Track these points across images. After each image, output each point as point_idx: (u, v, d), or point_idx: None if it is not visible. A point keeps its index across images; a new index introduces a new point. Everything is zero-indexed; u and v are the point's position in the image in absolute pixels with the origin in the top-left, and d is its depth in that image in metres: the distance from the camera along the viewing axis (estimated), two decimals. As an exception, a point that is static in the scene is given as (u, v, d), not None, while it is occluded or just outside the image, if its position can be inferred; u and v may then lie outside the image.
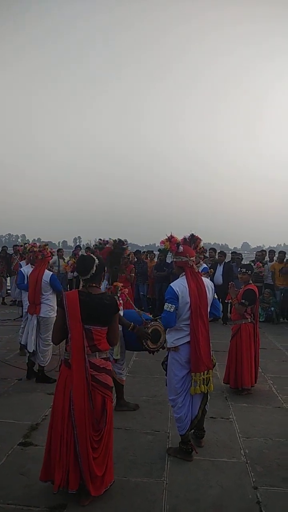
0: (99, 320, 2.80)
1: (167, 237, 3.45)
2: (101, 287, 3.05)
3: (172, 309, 3.27)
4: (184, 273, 3.41)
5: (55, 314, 5.13)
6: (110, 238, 4.34)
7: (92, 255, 3.00)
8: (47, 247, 5.48)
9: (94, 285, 2.89)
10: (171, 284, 3.44)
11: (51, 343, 5.19)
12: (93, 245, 4.40)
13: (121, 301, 4.00)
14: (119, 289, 4.09)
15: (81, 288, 2.93)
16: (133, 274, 8.47)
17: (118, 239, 4.29)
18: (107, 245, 4.27)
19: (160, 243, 3.48)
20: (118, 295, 4.03)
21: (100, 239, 4.38)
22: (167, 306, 3.29)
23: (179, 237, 3.46)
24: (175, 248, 3.46)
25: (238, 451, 3.46)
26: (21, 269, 6.35)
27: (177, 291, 3.30)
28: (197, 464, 3.25)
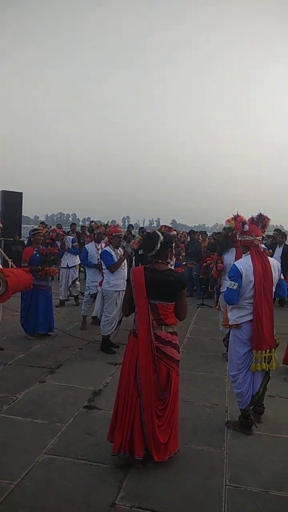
0: (164, 295, 2.87)
1: (232, 216, 3.45)
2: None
3: (235, 287, 3.29)
4: (249, 252, 3.41)
5: (112, 289, 5.37)
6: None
7: (158, 232, 3.07)
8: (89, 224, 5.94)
9: (160, 261, 2.94)
10: (235, 263, 3.46)
11: (110, 315, 5.42)
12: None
13: None
14: None
15: (148, 265, 3.00)
16: (183, 253, 8.61)
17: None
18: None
19: (225, 221, 3.48)
20: None
21: None
22: (230, 284, 3.32)
23: (246, 217, 3.44)
24: (240, 227, 3.45)
25: (299, 430, 3.47)
26: (86, 246, 6.74)
27: (241, 269, 3.32)
28: (257, 438, 3.31)
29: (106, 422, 3.27)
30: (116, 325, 5.43)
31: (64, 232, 9.16)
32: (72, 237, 8.78)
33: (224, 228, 3.91)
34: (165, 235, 2.99)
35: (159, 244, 2.89)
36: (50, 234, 9.41)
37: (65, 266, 8.24)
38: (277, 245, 9.13)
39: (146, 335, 2.84)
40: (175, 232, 8.19)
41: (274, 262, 3.45)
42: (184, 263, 8.10)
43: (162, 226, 7.68)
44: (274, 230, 9.94)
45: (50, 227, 11.99)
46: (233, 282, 3.30)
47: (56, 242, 8.70)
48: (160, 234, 2.95)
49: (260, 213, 3.49)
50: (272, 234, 9.68)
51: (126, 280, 3.03)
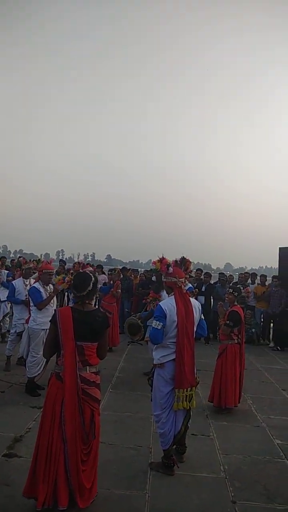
0: (91, 336, 2.88)
1: (158, 258, 3.64)
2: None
3: (159, 327, 3.41)
4: (173, 293, 3.59)
5: (38, 327, 5.21)
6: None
7: (87, 272, 3.13)
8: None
9: (87, 302, 2.96)
10: (160, 303, 3.61)
11: (37, 355, 5.22)
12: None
13: None
14: None
15: (75, 305, 2.99)
16: (119, 291, 8.59)
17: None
18: None
19: (152, 263, 3.67)
20: None
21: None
22: (155, 324, 3.44)
23: (171, 259, 3.66)
24: (165, 269, 3.65)
25: (218, 467, 3.58)
26: (13, 282, 6.52)
27: (165, 309, 3.46)
28: (178, 478, 3.36)
29: (26, 471, 3.11)
30: (43, 366, 5.25)
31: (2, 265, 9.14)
32: (8, 271, 8.84)
33: (151, 270, 4.14)
34: (94, 275, 3.06)
35: (91, 285, 2.92)
36: None
37: None
38: (203, 284, 9.77)
39: (73, 378, 2.79)
40: (91, 268, 8.20)
41: (195, 303, 3.66)
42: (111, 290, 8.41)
43: (75, 263, 7.70)
44: (197, 270, 10.67)
45: None
46: (158, 322, 3.43)
47: None
48: (92, 275, 2.99)
49: (183, 257, 3.73)
50: (194, 274, 10.37)
51: (50, 321, 2.99)
